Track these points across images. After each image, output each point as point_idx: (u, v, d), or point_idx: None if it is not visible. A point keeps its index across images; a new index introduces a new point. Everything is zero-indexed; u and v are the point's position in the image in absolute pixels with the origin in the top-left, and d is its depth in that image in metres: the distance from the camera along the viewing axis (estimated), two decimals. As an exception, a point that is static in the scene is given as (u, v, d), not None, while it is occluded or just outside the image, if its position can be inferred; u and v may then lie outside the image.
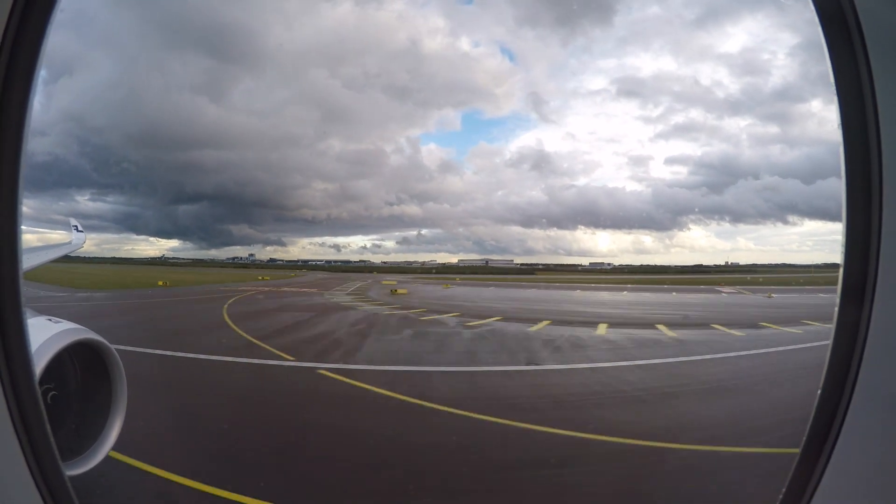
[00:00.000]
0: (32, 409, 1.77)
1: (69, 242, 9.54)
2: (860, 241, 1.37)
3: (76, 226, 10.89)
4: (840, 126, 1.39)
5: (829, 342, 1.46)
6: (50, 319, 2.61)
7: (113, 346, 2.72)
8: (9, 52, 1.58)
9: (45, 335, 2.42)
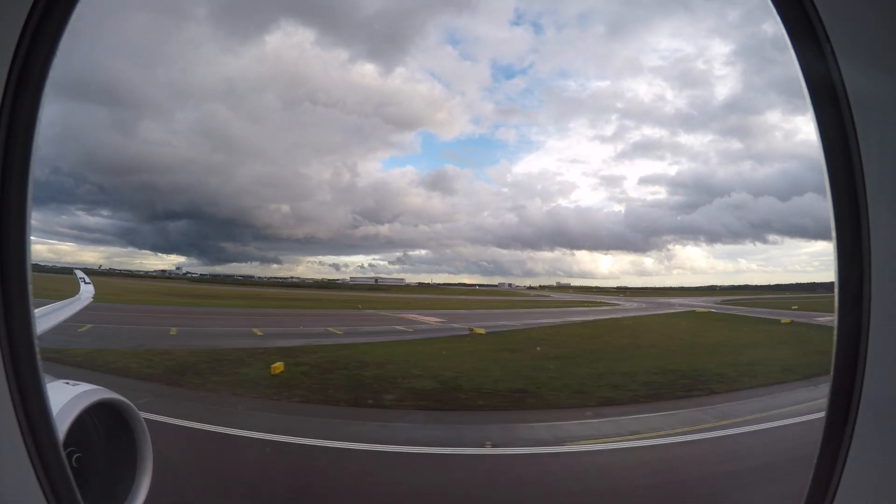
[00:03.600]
0: (60, 474, 1.80)
1: (78, 297, 9.46)
2: (851, 255, 1.45)
3: (83, 277, 10.72)
4: (821, 147, 1.48)
5: (832, 353, 1.52)
6: (67, 382, 2.65)
7: (134, 405, 2.76)
8: (16, 80, 1.63)
9: (64, 398, 2.46)
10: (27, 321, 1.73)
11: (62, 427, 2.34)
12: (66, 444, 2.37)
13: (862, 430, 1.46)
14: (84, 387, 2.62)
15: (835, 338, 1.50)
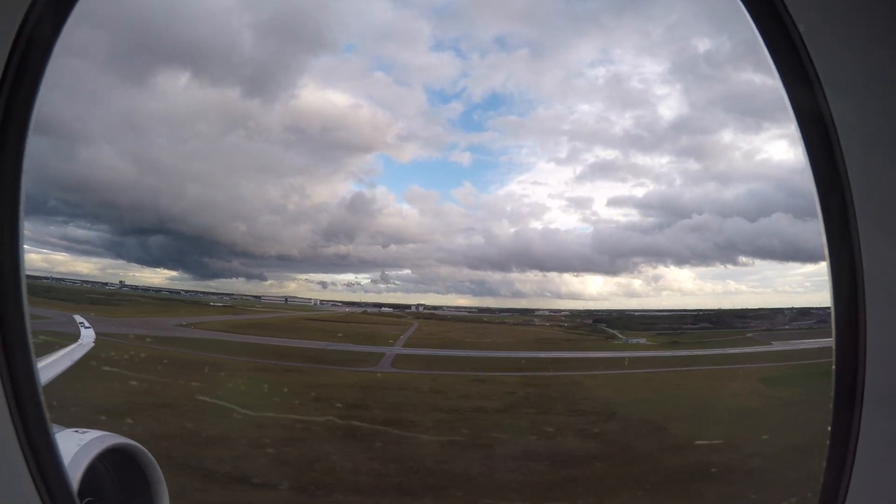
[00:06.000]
0: None
1: (80, 343, 9.44)
2: (845, 262, 1.51)
3: (83, 322, 10.83)
4: (809, 169, 1.55)
5: (833, 351, 1.57)
6: (76, 431, 2.65)
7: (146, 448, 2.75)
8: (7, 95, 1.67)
9: (74, 447, 2.46)
10: (31, 375, 1.72)
11: (75, 476, 2.34)
12: (81, 493, 2.36)
13: (868, 423, 1.50)
14: (93, 434, 2.62)
15: (833, 337, 1.57)
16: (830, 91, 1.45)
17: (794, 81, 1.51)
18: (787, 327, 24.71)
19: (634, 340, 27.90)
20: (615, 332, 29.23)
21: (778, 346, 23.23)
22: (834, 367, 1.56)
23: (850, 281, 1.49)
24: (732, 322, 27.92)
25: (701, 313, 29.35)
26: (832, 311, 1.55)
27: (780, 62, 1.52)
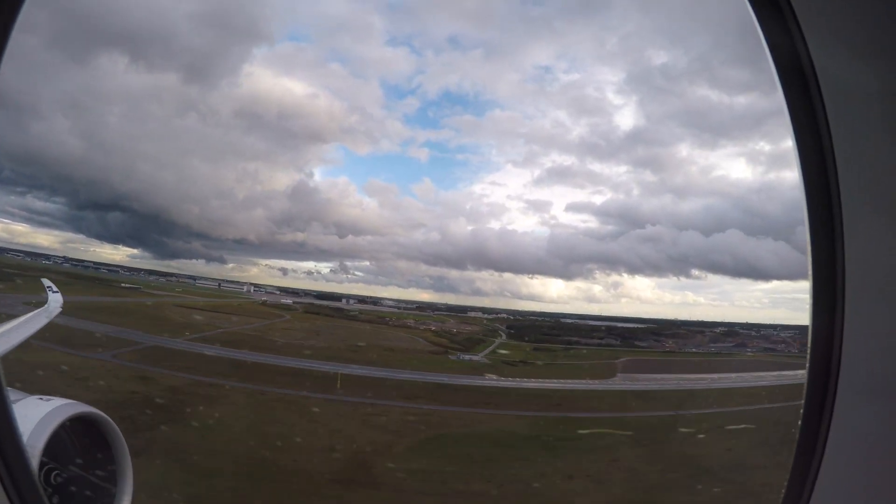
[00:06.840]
0: (31, 493, 1.77)
1: (46, 308, 8.37)
2: (825, 248, 1.52)
3: (50, 286, 10.14)
4: (802, 185, 1.55)
5: (808, 350, 1.59)
6: (41, 398, 2.59)
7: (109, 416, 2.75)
8: None
9: (38, 415, 2.43)
10: None
11: (38, 444, 2.34)
12: (44, 460, 2.36)
13: (840, 416, 1.52)
14: (58, 402, 2.59)
15: (809, 337, 1.58)
16: (814, 45, 1.40)
17: (775, 33, 1.48)
18: (694, 350, 21.56)
19: (467, 357, 22.41)
20: (497, 340, 24.54)
21: (617, 383, 19.19)
22: (809, 356, 1.55)
23: (831, 271, 1.47)
24: (644, 339, 23.42)
25: (614, 327, 24.87)
26: (810, 299, 1.54)
27: (762, 14, 1.48)
